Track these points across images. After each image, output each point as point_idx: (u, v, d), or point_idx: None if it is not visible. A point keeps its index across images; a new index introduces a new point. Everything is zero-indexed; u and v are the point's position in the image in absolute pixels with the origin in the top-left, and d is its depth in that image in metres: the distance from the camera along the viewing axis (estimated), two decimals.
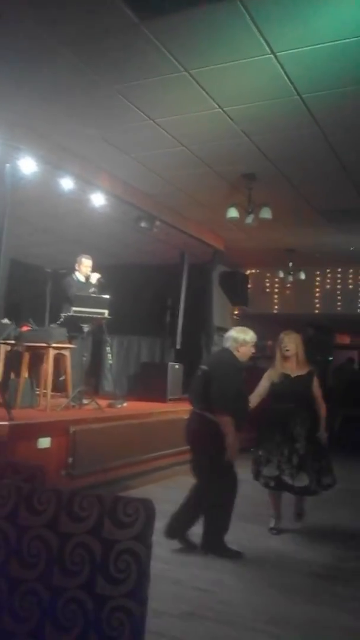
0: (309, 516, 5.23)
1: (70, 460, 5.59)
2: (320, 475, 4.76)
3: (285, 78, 4.57)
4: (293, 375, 4.91)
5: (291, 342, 4.92)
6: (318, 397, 4.96)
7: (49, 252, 10.48)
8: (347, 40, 4.03)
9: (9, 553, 1.58)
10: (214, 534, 4.32)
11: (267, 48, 4.18)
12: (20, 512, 1.61)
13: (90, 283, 7.39)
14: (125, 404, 7.55)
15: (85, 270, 7.51)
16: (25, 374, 6.70)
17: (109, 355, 8.25)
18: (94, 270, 7.60)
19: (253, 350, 4.50)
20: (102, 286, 7.44)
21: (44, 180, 6.30)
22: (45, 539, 1.55)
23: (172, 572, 3.87)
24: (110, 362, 8.39)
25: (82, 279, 7.49)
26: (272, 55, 4.28)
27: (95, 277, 7.43)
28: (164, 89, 4.89)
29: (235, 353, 4.42)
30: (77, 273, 7.54)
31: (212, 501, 4.33)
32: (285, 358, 4.95)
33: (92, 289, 7.32)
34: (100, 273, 7.59)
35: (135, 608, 1.44)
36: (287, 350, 4.91)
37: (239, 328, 4.60)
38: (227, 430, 4.15)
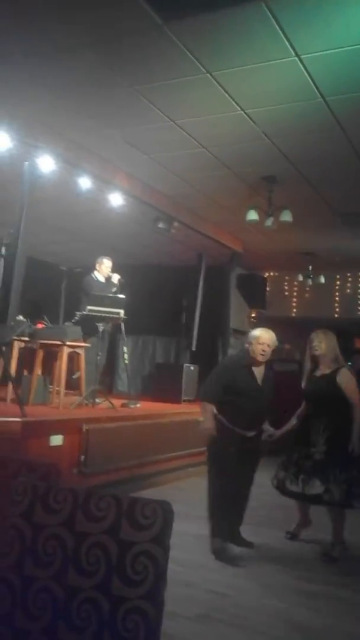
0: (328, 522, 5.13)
1: (82, 458, 5.60)
2: (351, 486, 4.34)
3: (309, 81, 4.54)
4: (318, 375, 4.69)
5: (320, 341, 4.67)
6: (350, 398, 4.49)
7: (65, 250, 10.53)
8: None
9: (24, 551, 1.57)
10: (219, 523, 4.39)
11: (291, 51, 4.16)
12: (36, 511, 1.60)
13: (113, 283, 7.49)
14: (139, 405, 7.55)
15: (105, 271, 7.63)
16: (38, 371, 6.73)
17: (125, 355, 8.26)
18: (97, 264, 7.68)
19: (263, 349, 4.35)
20: (122, 287, 7.51)
21: (62, 179, 6.33)
22: (61, 537, 1.54)
23: (185, 574, 3.85)
24: (126, 362, 8.40)
25: (102, 279, 7.59)
26: (296, 58, 4.25)
27: (116, 278, 7.54)
28: (185, 91, 4.88)
29: (248, 351, 4.43)
30: (96, 273, 7.63)
31: (208, 491, 4.44)
32: (312, 358, 4.74)
33: (114, 289, 7.40)
34: (116, 273, 7.65)
35: (151, 610, 1.42)
36: (316, 349, 4.67)
37: (259, 328, 4.57)
38: (201, 416, 4.43)
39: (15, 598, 1.57)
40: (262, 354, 4.36)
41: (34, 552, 1.56)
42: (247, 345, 4.48)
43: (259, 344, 4.36)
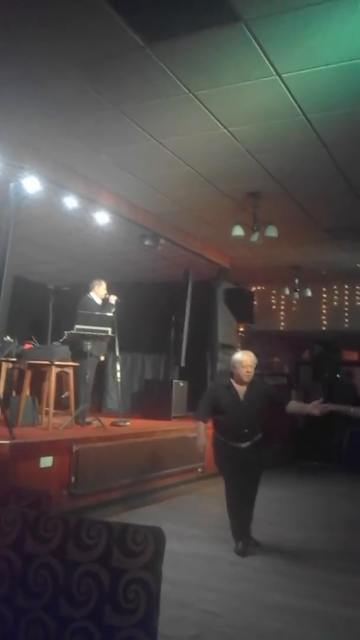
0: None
1: (72, 479, 5.55)
2: None
3: (291, 99, 4.60)
4: None
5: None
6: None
7: (52, 270, 10.50)
8: (351, 62, 4.06)
9: (15, 582, 1.55)
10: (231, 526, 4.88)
11: (272, 70, 4.22)
12: (26, 540, 1.58)
13: (110, 304, 7.52)
14: (128, 423, 7.51)
15: (102, 293, 7.69)
16: (27, 391, 6.68)
17: (118, 374, 8.26)
18: (94, 286, 7.72)
19: (247, 371, 4.85)
20: (119, 307, 7.57)
21: (48, 198, 6.35)
22: (52, 567, 1.52)
23: (179, 594, 3.81)
24: (119, 379, 8.39)
25: (98, 300, 7.65)
26: (277, 77, 4.31)
27: (113, 299, 7.62)
28: (169, 110, 4.92)
29: (233, 374, 4.95)
30: (93, 294, 7.69)
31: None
32: None
33: (113, 310, 7.47)
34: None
35: (144, 639, 1.40)
36: None
37: (239, 352, 5.11)
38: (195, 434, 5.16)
39: (7, 630, 1.54)
40: (247, 375, 4.87)
41: (25, 583, 1.54)
42: (232, 369, 4.97)
43: (242, 367, 4.85)
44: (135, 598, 1.42)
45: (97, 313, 7.34)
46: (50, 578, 1.52)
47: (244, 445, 4.87)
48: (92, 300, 7.69)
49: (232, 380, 4.95)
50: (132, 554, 1.45)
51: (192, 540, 4.74)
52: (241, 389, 4.92)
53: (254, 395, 4.92)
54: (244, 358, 4.90)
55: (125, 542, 1.47)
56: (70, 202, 6.56)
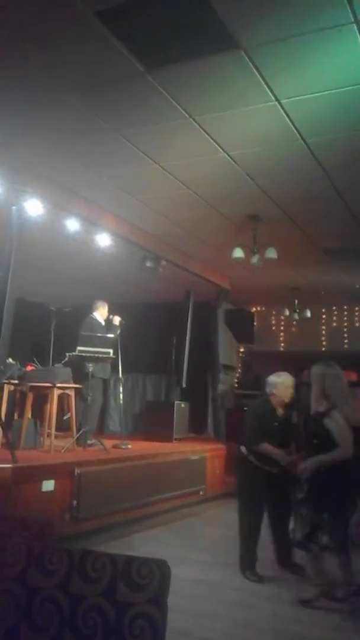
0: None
1: (74, 503, 5.51)
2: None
3: (290, 124, 4.65)
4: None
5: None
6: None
7: (53, 291, 10.54)
8: (349, 88, 4.12)
9: (20, 615, 1.54)
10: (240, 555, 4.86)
11: (271, 96, 4.27)
12: (30, 573, 1.57)
13: (115, 325, 7.55)
14: (130, 446, 7.46)
15: (105, 313, 7.73)
16: (29, 414, 6.66)
17: (121, 395, 8.24)
18: (98, 307, 7.75)
19: (290, 392, 4.90)
20: (122, 328, 7.60)
21: (50, 221, 6.39)
22: (57, 600, 1.51)
23: (181, 622, 3.74)
24: (121, 401, 8.37)
25: (101, 320, 7.69)
26: (276, 103, 4.36)
27: (117, 320, 7.68)
28: (169, 135, 4.98)
29: (275, 395, 4.94)
30: (96, 314, 7.73)
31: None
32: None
33: (118, 331, 7.53)
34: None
35: None
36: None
37: (277, 373, 5.06)
38: (273, 455, 4.85)
39: None
40: (291, 396, 4.93)
41: (30, 617, 1.52)
42: (273, 390, 4.94)
43: (286, 388, 4.90)
44: (140, 634, 1.40)
45: (99, 335, 7.35)
46: (56, 611, 1.51)
47: (275, 470, 4.80)
48: (96, 320, 7.72)
49: (272, 404, 4.94)
50: (137, 588, 1.44)
51: (195, 565, 4.69)
52: (281, 412, 4.96)
53: (289, 418, 5.04)
54: (287, 379, 4.93)
55: (131, 575, 1.46)
56: (72, 224, 6.60)
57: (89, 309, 7.98)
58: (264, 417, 4.95)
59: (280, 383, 4.93)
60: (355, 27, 3.52)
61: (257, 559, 4.81)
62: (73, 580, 1.52)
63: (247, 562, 4.77)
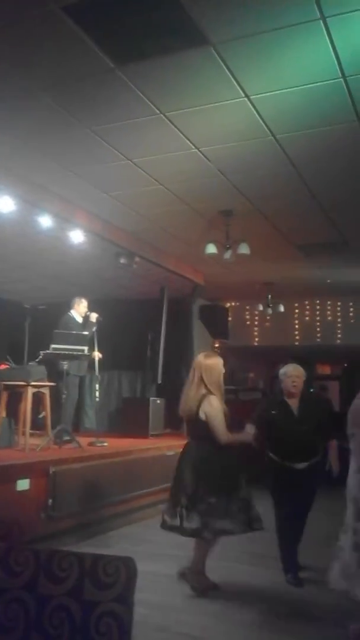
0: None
1: (50, 502, 5.47)
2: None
3: (260, 120, 4.67)
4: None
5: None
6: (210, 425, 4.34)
7: (27, 288, 10.44)
8: (317, 84, 4.15)
9: None
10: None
11: (241, 92, 4.28)
12: None
13: (92, 322, 7.51)
14: (106, 444, 7.44)
15: (82, 310, 7.69)
16: (3, 413, 6.61)
17: (97, 393, 8.20)
18: (75, 303, 7.72)
19: (293, 381, 4.77)
20: (99, 325, 7.56)
21: (23, 218, 6.32)
22: (24, 601, 1.50)
23: (157, 617, 3.77)
24: (97, 399, 8.34)
25: (79, 318, 7.64)
26: (246, 99, 4.38)
27: (94, 317, 7.62)
28: (140, 131, 4.96)
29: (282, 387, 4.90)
30: (73, 312, 7.69)
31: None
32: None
33: (94, 328, 7.49)
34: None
35: None
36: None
37: (286, 365, 4.98)
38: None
39: None
40: (293, 386, 4.75)
41: None
42: (281, 384, 4.90)
43: (287, 377, 4.79)
44: (107, 632, 1.40)
45: (74, 332, 7.30)
46: (23, 612, 1.50)
47: (301, 466, 4.60)
48: (73, 318, 7.67)
49: (283, 395, 4.82)
50: (104, 586, 1.44)
51: (171, 561, 4.69)
52: (294, 404, 4.75)
53: (310, 411, 4.75)
54: (289, 369, 4.84)
55: (97, 574, 1.46)
56: (45, 221, 6.54)
57: (65, 306, 7.93)
58: (267, 406, 4.96)
59: (282, 373, 4.88)
60: (322, 24, 3.54)
61: (298, 563, 4.68)
62: (40, 580, 1.51)
63: (285, 565, 4.69)
